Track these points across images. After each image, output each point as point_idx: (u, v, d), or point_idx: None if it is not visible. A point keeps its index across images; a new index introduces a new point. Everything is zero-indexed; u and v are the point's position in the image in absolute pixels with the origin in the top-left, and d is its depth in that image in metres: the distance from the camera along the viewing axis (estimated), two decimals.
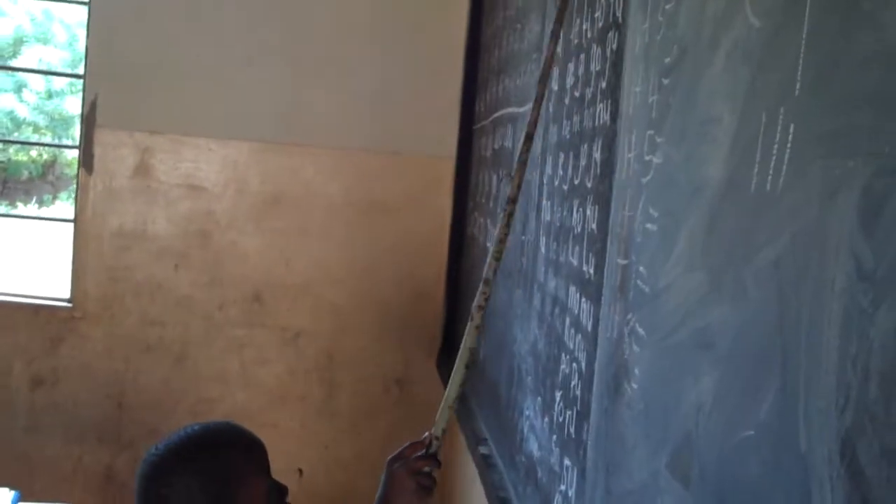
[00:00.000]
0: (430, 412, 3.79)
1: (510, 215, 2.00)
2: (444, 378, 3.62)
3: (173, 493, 1.90)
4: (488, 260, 1.99)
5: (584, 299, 1.91)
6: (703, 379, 1.29)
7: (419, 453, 1.86)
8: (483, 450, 2.77)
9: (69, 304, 3.81)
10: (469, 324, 1.95)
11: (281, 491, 1.99)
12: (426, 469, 1.84)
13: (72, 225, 3.85)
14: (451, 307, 3.77)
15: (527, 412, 2.37)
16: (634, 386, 1.54)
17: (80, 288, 3.80)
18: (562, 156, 2.19)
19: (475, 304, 1.95)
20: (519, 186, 2.03)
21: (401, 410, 3.91)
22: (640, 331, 1.53)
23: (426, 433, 1.90)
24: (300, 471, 3.77)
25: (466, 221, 3.66)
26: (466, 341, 1.93)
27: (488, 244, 3.08)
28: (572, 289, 2.00)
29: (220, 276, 3.85)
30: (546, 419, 2.16)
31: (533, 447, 2.27)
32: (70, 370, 3.83)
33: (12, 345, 3.81)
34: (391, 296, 3.89)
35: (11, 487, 3.06)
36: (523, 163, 2.02)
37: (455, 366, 1.93)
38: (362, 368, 3.91)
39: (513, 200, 2.01)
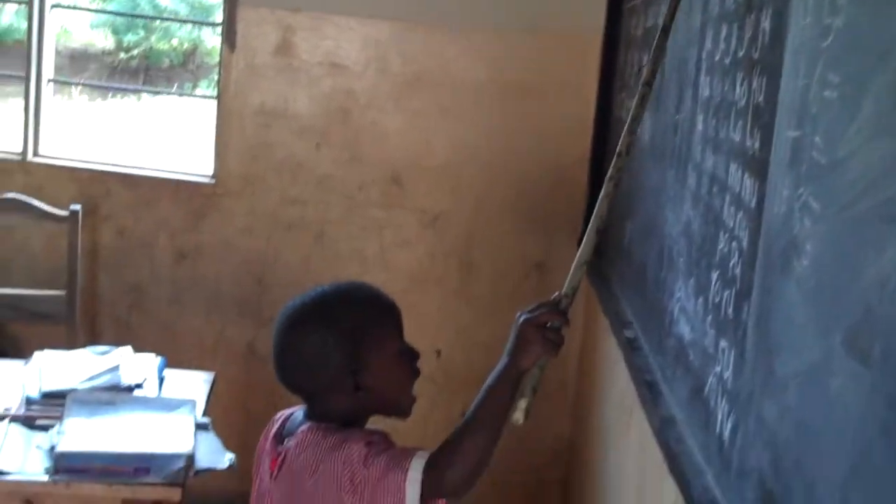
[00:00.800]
0: None
1: (643, 97, 2.01)
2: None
3: (306, 347, 1.92)
4: (623, 134, 1.98)
5: (746, 175, 1.82)
6: (887, 252, 1.20)
7: (549, 308, 1.84)
8: (628, 333, 2.71)
9: (212, 181, 3.84)
10: (602, 192, 1.95)
11: (412, 355, 1.99)
12: (554, 324, 1.81)
13: (215, 102, 3.86)
14: (595, 192, 3.69)
15: (678, 294, 2.30)
16: (805, 262, 1.46)
17: (223, 165, 3.82)
18: (724, 28, 2.08)
19: (608, 174, 1.96)
20: (653, 72, 2.03)
21: (540, 295, 3.84)
22: (814, 204, 1.44)
23: (556, 293, 1.89)
24: (438, 352, 3.77)
25: (613, 103, 3.55)
26: (598, 209, 1.93)
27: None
28: (733, 166, 1.91)
29: (360, 155, 3.83)
30: (700, 300, 2.08)
31: (684, 330, 2.21)
32: (212, 245, 3.87)
33: (158, 219, 3.87)
34: (533, 179, 3.82)
35: (158, 355, 3.12)
36: (660, 48, 2.05)
37: (587, 231, 1.95)
38: (501, 252, 3.87)
39: (648, 83, 2.02)
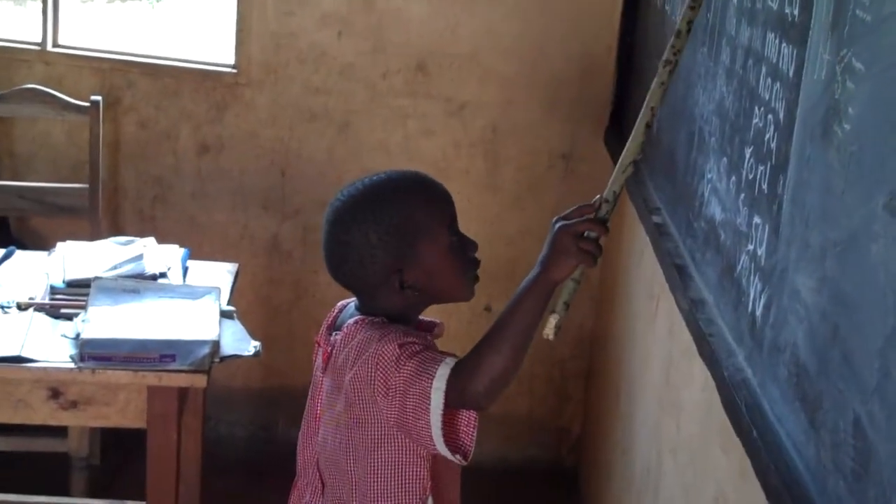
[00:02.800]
0: (596, 188, 3.62)
1: None
2: (613, 154, 3.50)
3: (353, 240, 1.86)
4: (684, 8, 1.78)
5: (784, 44, 1.75)
6: None
7: (587, 216, 1.71)
8: (656, 219, 2.66)
9: (234, 70, 3.78)
10: (655, 79, 1.75)
11: (465, 246, 1.93)
12: (592, 234, 1.67)
13: None
14: (622, 82, 3.61)
15: (709, 175, 2.25)
16: (846, 126, 1.41)
17: (245, 54, 3.75)
18: None
19: (663, 58, 1.75)
20: None
21: (566, 186, 3.81)
22: (858, 65, 1.38)
23: (597, 196, 1.73)
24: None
25: None
26: (649, 100, 1.74)
27: (666, 7, 2.90)
28: (770, 35, 1.84)
29: (384, 43, 3.75)
30: (733, 179, 2.03)
31: (715, 210, 2.16)
32: (235, 137, 3.82)
33: (180, 110, 3.81)
34: (560, 68, 3.74)
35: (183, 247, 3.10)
36: None
37: (635, 126, 1.75)
38: (528, 142, 3.81)
39: None
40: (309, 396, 2.01)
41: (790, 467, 1.53)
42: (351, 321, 1.89)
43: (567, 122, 3.78)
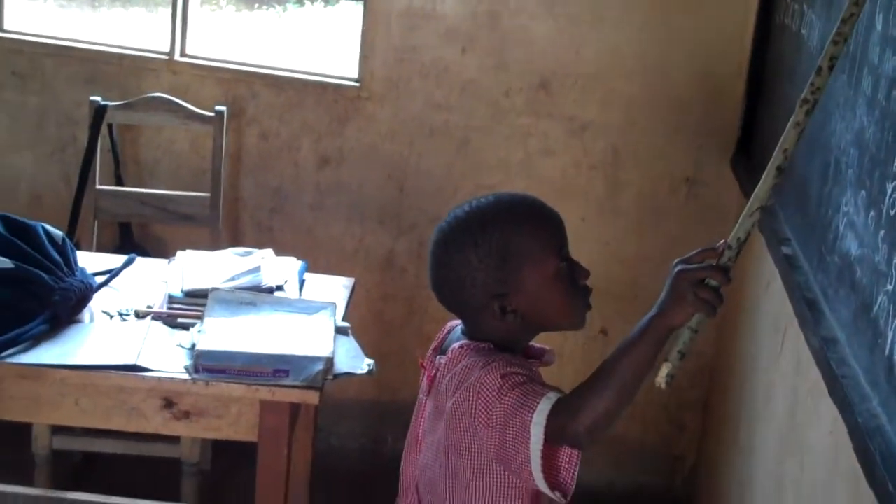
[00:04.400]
0: (721, 215, 3.61)
1: None
2: (740, 179, 3.40)
3: (454, 262, 1.83)
4: (826, 45, 1.67)
5: None
6: None
7: (708, 262, 1.62)
8: (786, 250, 2.57)
9: (357, 84, 3.77)
10: (791, 119, 1.64)
11: (576, 273, 1.87)
12: (712, 282, 1.58)
13: (360, 5, 3.78)
14: (752, 105, 3.52)
15: (845, 208, 2.16)
16: None
17: (368, 68, 3.75)
18: None
19: (801, 97, 1.64)
20: None
21: (689, 211, 3.72)
22: None
23: (721, 241, 1.64)
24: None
25: (775, 10, 3.36)
26: (783, 141, 1.63)
27: (802, 31, 2.80)
28: None
29: (507, 61, 3.71)
30: (872, 214, 1.94)
31: (851, 245, 2.07)
32: (355, 151, 3.81)
33: (301, 123, 3.82)
34: (685, 90, 3.66)
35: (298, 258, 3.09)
36: None
37: (766, 170, 1.65)
38: (650, 166, 3.74)
39: None
40: (413, 418, 1.98)
41: None
42: (456, 345, 1.86)
43: (691, 146, 3.69)
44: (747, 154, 3.45)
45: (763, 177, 1.64)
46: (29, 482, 3.33)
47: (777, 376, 2.68)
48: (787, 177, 2.70)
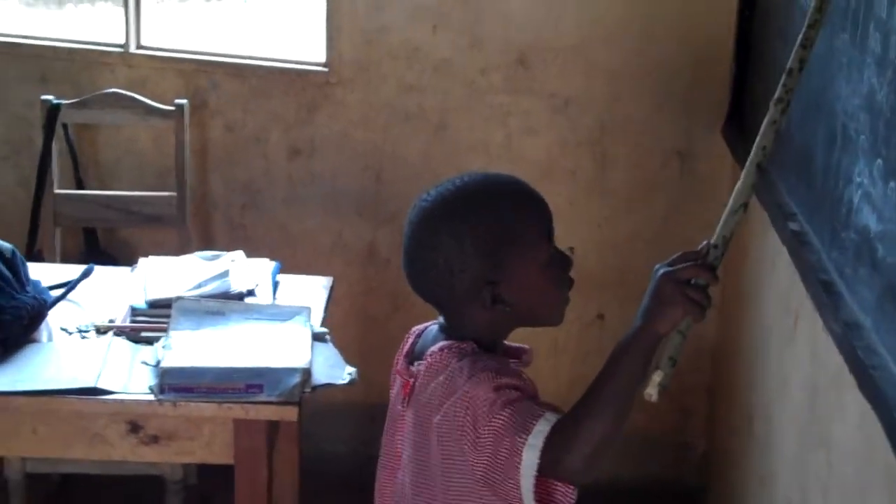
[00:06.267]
0: (714, 188, 3.42)
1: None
2: (733, 148, 3.23)
3: (442, 245, 1.64)
4: (796, 47, 1.63)
5: None
6: None
7: (693, 262, 1.51)
8: (793, 226, 2.38)
9: (324, 69, 3.57)
10: (766, 118, 1.59)
11: (563, 261, 1.71)
12: (700, 282, 1.48)
13: None
14: (741, 69, 3.32)
15: (858, 179, 1.97)
16: None
17: (335, 51, 3.54)
18: None
19: (774, 97, 1.59)
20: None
21: (682, 186, 3.53)
22: None
23: (703, 241, 1.54)
24: (571, 250, 3.46)
25: None
26: (761, 139, 1.57)
27: None
28: None
29: (482, 37, 3.50)
30: (891, 185, 1.76)
31: (868, 220, 1.89)
32: (327, 140, 3.61)
33: (269, 112, 3.62)
34: (671, 58, 3.47)
35: (272, 258, 2.90)
36: None
37: (745, 167, 1.58)
38: (638, 140, 3.54)
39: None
40: (386, 431, 1.80)
41: None
42: (436, 348, 1.68)
43: (681, 117, 3.50)
44: (739, 122, 3.26)
45: (743, 175, 1.58)
46: None
47: (792, 364, 2.50)
48: (786, 144, 2.52)
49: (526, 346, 1.76)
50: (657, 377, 1.48)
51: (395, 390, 1.77)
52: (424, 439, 1.65)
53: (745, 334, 3.11)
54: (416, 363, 1.71)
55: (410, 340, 1.79)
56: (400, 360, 1.77)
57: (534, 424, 1.49)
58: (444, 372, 1.63)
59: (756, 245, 2.91)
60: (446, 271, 1.65)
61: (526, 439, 1.48)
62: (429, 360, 1.66)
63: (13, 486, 3.15)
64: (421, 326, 1.80)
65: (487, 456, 1.53)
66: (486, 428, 1.52)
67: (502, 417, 1.51)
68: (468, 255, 1.64)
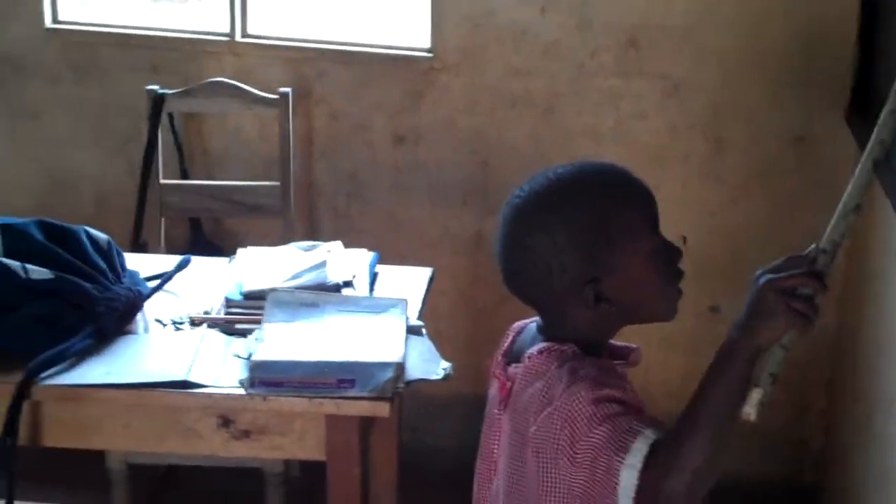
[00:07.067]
0: (836, 175, 3.24)
1: None
2: (857, 133, 3.06)
3: (538, 244, 1.55)
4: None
5: None
6: None
7: (799, 269, 1.38)
8: None
9: (429, 55, 3.50)
10: (886, 107, 1.43)
11: (670, 253, 1.60)
12: (806, 291, 1.36)
13: None
14: (866, 49, 3.15)
15: None
16: None
17: (440, 37, 3.47)
18: None
19: (894, 86, 1.44)
20: None
21: (800, 172, 3.37)
22: None
23: (812, 245, 1.42)
24: (683, 238, 3.34)
25: None
26: (879, 131, 1.42)
27: None
28: None
29: (591, 18, 3.39)
30: None
31: None
32: (432, 127, 3.54)
33: (373, 100, 3.56)
34: (788, 38, 3.31)
35: (375, 249, 2.83)
36: None
37: (860, 165, 1.43)
38: (754, 124, 3.39)
39: None
40: (484, 433, 1.72)
41: None
42: (534, 350, 1.59)
43: (799, 99, 3.34)
44: (864, 105, 3.09)
45: (857, 172, 1.43)
46: (107, 499, 3.16)
47: None
48: None
49: (633, 346, 1.65)
50: (756, 395, 1.38)
51: (493, 391, 1.69)
52: (520, 450, 1.57)
53: (866, 326, 2.95)
54: (513, 365, 1.63)
55: (510, 338, 1.71)
56: (498, 359, 1.69)
57: (632, 442, 1.40)
58: (541, 378, 1.54)
59: (878, 231, 2.76)
60: (543, 271, 1.56)
61: (624, 459, 1.39)
62: (527, 363, 1.58)
63: (116, 477, 3.16)
64: (521, 323, 1.72)
65: (585, 473, 1.45)
66: (584, 443, 1.44)
67: (600, 433, 1.43)
68: (565, 252, 1.54)
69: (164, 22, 3.79)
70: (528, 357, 1.59)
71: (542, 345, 1.59)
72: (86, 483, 3.16)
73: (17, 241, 2.40)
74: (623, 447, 1.40)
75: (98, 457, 3.09)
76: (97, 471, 3.15)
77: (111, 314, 2.38)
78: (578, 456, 1.44)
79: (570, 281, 1.55)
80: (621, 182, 1.61)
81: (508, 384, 1.63)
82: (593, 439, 1.43)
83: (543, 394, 1.52)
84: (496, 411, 1.67)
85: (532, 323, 1.69)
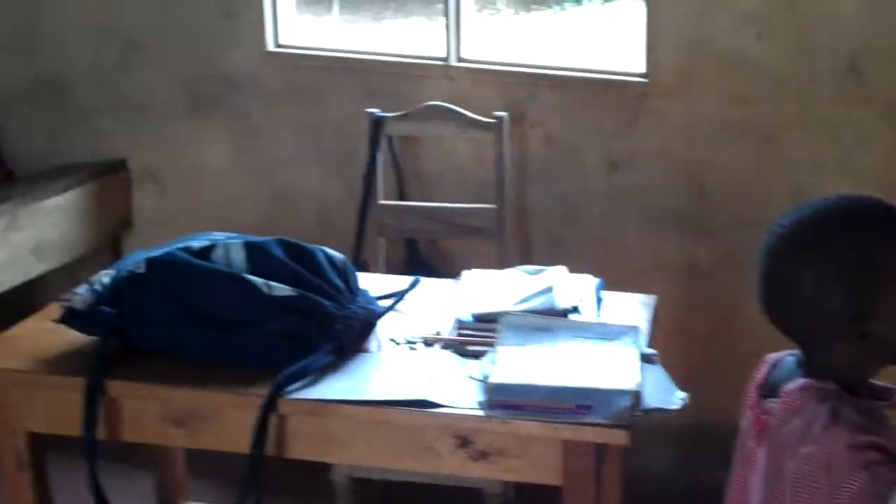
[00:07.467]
0: None
1: None
2: None
3: (804, 279, 1.52)
4: None
5: None
6: None
7: None
8: None
9: (644, 80, 3.49)
10: None
11: None
12: None
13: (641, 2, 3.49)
14: None
15: None
16: None
17: (656, 61, 3.46)
18: None
19: None
20: None
21: None
22: None
23: None
24: None
25: None
26: None
27: None
28: None
29: (809, 43, 3.32)
30: None
31: None
32: (646, 153, 3.54)
33: (587, 124, 3.58)
34: None
35: (591, 274, 2.84)
36: None
37: None
38: None
39: None
40: (738, 463, 1.70)
41: None
42: (794, 386, 1.57)
43: None
44: None
45: None
46: None
47: None
48: None
49: (893, 386, 1.62)
50: None
51: (747, 423, 1.68)
52: (777, 486, 1.55)
53: None
54: (769, 399, 1.62)
55: (763, 370, 1.69)
56: (752, 392, 1.68)
57: (893, 495, 1.37)
58: (801, 415, 1.53)
59: None
60: (808, 307, 1.55)
61: None
62: (785, 398, 1.56)
63: (340, 490, 3.24)
64: (776, 356, 1.70)
65: None
66: (843, 490, 1.42)
67: (859, 481, 1.40)
68: (832, 289, 1.52)
69: (369, 44, 3.89)
70: (787, 392, 1.57)
71: (801, 381, 1.57)
72: (311, 495, 3.24)
73: (260, 259, 2.48)
74: (882, 498, 1.37)
75: (318, 469, 3.16)
76: (319, 482, 3.24)
77: (349, 332, 2.44)
78: (836, 501, 1.42)
79: (834, 317, 1.53)
80: (887, 215, 1.59)
81: (765, 418, 1.62)
82: (852, 487, 1.41)
83: (802, 431, 1.51)
84: (751, 444, 1.66)
85: (789, 356, 1.67)
